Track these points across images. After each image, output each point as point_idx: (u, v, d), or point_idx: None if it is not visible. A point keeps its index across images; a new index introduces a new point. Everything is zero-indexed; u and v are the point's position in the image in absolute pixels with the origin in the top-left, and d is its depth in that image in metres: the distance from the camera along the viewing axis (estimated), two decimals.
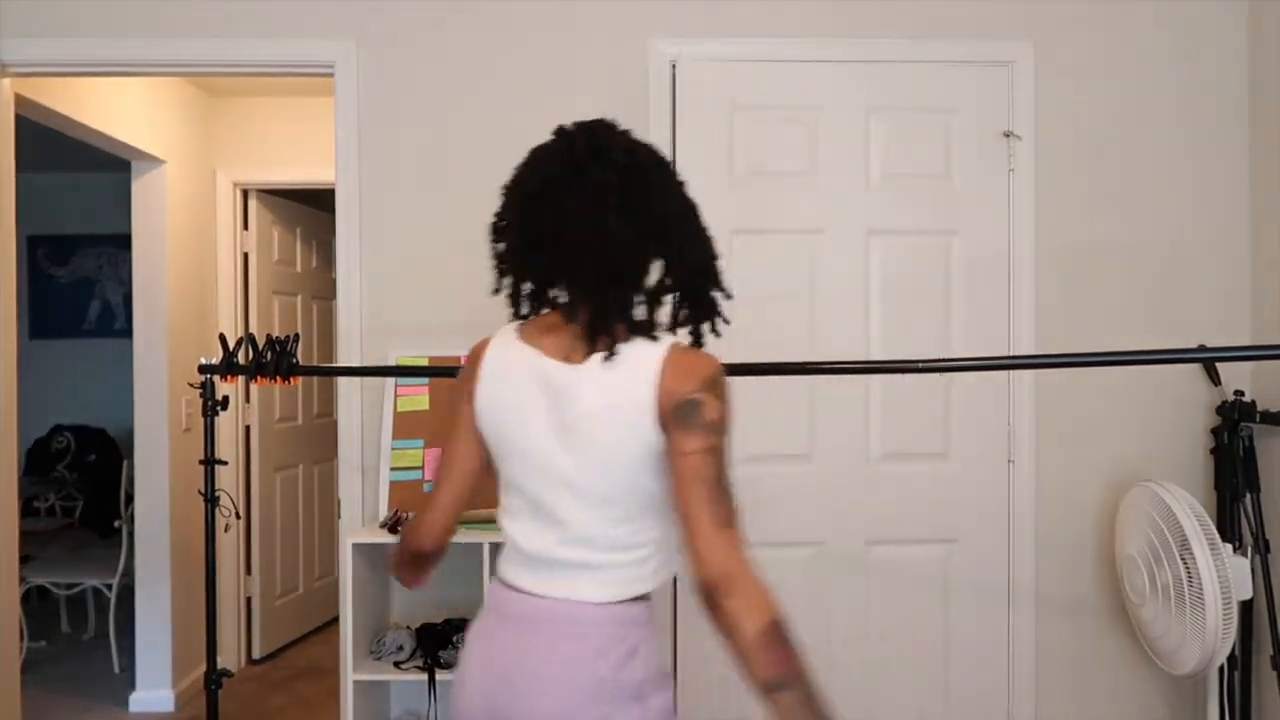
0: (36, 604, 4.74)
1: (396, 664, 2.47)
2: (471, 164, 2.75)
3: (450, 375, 2.65)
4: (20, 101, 3.02)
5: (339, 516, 2.77)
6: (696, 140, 2.66)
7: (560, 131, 1.46)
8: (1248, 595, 2.42)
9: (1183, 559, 2.35)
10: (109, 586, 4.31)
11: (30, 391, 5.35)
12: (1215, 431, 2.74)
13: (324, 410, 4.92)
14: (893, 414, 2.72)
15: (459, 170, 2.75)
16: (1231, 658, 2.63)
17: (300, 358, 2.55)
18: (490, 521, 2.51)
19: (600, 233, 1.32)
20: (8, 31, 2.74)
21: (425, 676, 2.41)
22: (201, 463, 2.54)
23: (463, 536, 2.40)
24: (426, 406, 2.66)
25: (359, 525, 2.71)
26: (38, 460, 5.81)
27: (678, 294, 1.41)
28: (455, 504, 1.52)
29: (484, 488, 2.67)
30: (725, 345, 2.65)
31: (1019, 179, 2.76)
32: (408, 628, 2.59)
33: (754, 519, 2.65)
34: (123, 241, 5.24)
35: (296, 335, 2.62)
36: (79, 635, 4.80)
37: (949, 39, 2.77)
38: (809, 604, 2.69)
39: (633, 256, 1.35)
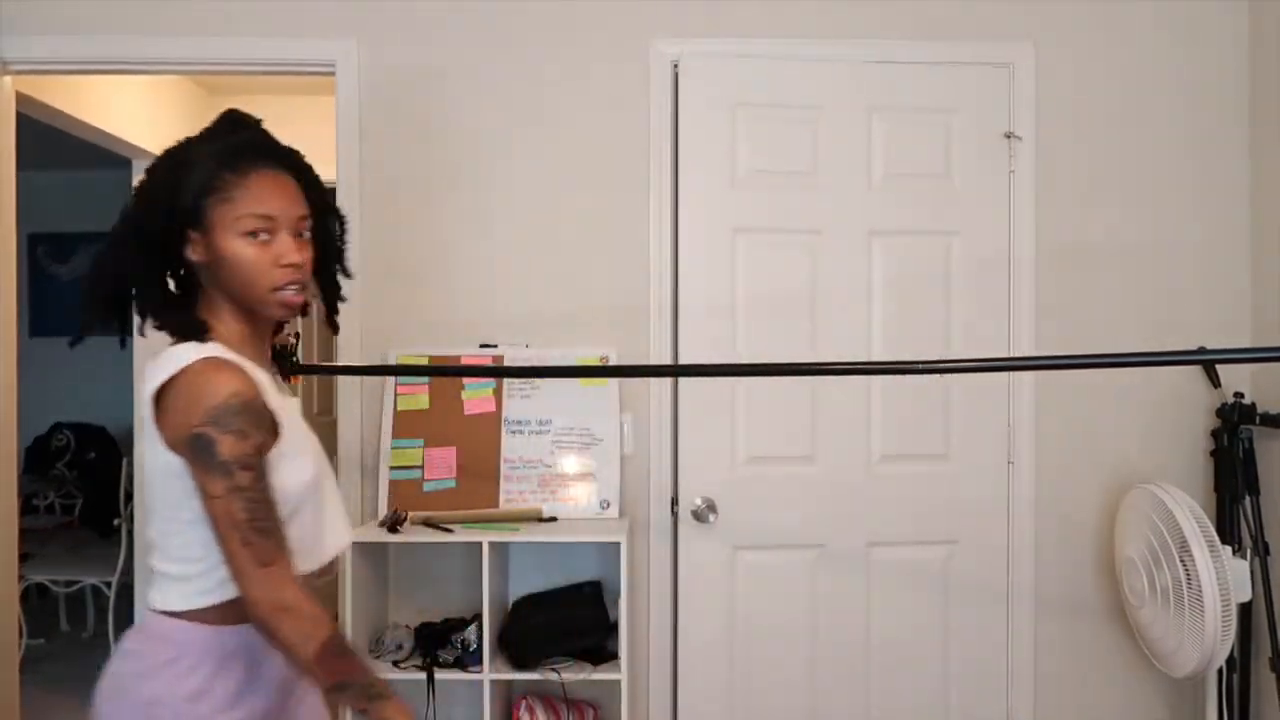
0: (36, 602, 4.74)
1: (395, 663, 2.47)
2: (471, 163, 2.75)
3: (451, 374, 2.65)
4: (21, 99, 3.02)
5: None
6: (698, 140, 2.66)
7: None
8: (1247, 598, 2.41)
9: (1182, 561, 2.35)
10: (108, 584, 4.30)
11: (30, 389, 5.33)
12: (1215, 433, 2.73)
13: (324, 409, 4.92)
14: (893, 415, 2.72)
15: (459, 169, 2.75)
16: (1230, 660, 2.63)
17: (300, 357, 2.55)
18: (490, 521, 2.51)
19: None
20: (9, 29, 2.74)
21: (424, 676, 2.41)
22: None
23: (463, 536, 2.40)
24: (426, 405, 2.66)
25: (359, 524, 2.71)
26: (37, 458, 5.81)
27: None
28: None
29: (480, 488, 2.68)
30: (727, 345, 2.67)
31: (1019, 180, 2.76)
32: (407, 627, 2.59)
33: (756, 520, 2.66)
34: None
35: (297, 334, 2.61)
36: (78, 633, 4.80)
37: (950, 40, 2.77)
38: (810, 605, 2.69)
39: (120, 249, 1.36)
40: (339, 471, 2.76)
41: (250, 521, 1.25)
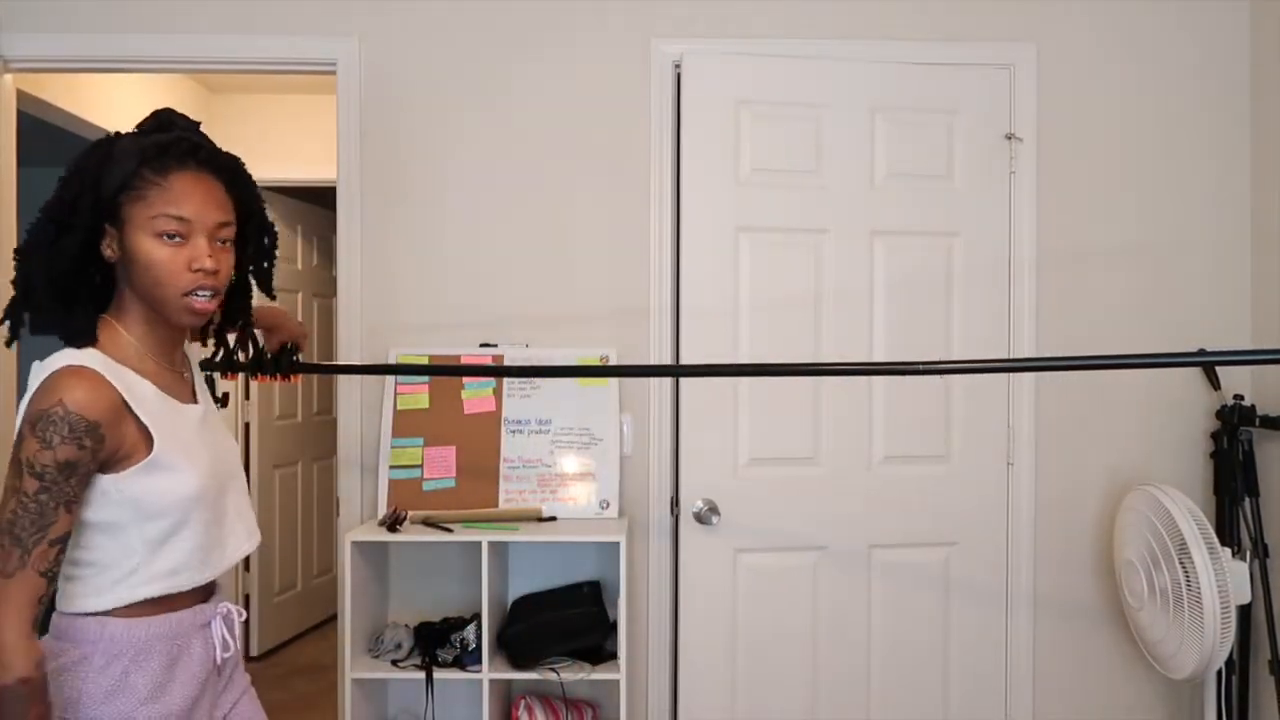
0: None
1: (394, 662, 2.47)
2: (473, 162, 2.75)
3: (451, 374, 2.65)
4: (22, 97, 3.02)
5: (338, 514, 2.77)
6: (699, 139, 2.66)
7: None
8: (1246, 600, 2.41)
9: (1181, 563, 2.35)
10: None
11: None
12: (1215, 435, 2.74)
13: (324, 408, 4.93)
14: (894, 416, 2.72)
15: (460, 168, 2.75)
16: (1229, 662, 2.63)
17: (300, 355, 2.55)
18: (489, 521, 2.51)
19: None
20: (9, 27, 2.74)
21: (423, 675, 2.41)
22: None
23: (462, 535, 2.40)
24: (426, 405, 2.66)
25: (358, 523, 2.71)
26: None
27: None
28: None
29: (479, 488, 2.68)
30: (728, 345, 2.67)
31: (1020, 181, 2.76)
32: (406, 626, 2.59)
33: (758, 522, 2.66)
34: None
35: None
36: None
37: (952, 41, 2.77)
38: (812, 607, 2.69)
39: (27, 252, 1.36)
40: (339, 470, 2.76)
41: (10, 525, 1.23)
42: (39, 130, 3.51)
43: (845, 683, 2.70)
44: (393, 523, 2.44)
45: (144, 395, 1.35)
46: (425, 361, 2.69)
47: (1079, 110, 2.80)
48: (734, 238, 2.66)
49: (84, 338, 1.34)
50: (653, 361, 2.72)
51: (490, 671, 2.39)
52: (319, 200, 4.76)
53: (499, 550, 2.58)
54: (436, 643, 2.50)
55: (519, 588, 2.73)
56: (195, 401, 1.48)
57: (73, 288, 1.35)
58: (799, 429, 2.69)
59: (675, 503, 2.72)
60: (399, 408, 2.65)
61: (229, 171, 1.41)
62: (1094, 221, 2.80)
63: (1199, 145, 2.81)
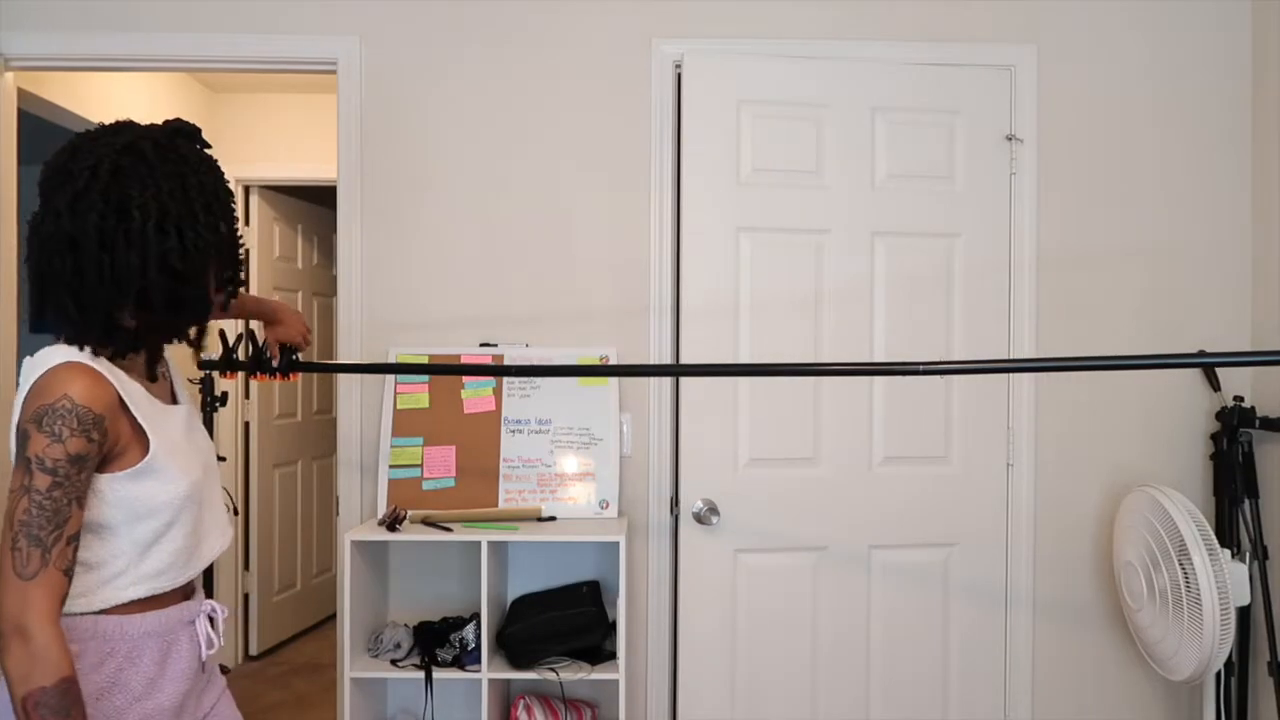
0: None
1: (394, 661, 2.47)
2: (473, 162, 2.75)
3: (451, 373, 2.65)
4: (22, 95, 3.02)
5: (337, 513, 2.77)
6: (700, 140, 2.66)
7: None
8: (1245, 601, 2.42)
9: (1181, 564, 2.35)
10: None
11: None
12: (1214, 437, 2.74)
13: (323, 407, 4.93)
14: (894, 417, 2.72)
15: (461, 168, 2.75)
16: (1229, 664, 2.64)
17: (300, 354, 2.55)
18: (489, 521, 2.51)
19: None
20: (10, 25, 2.74)
21: (422, 675, 2.41)
22: None
23: (461, 535, 2.40)
24: (426, 404, 2.65)
25: (357, 522, 2.71)
26: None
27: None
28: None
29: (479, 487, 2.68)
30: (728, 345, 2.67)
31: (1021, 182, 2.76)
32: (405, 625, 2.59)
33: (758, 523, 2.66)
34: None
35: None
36: None
37: (952, 42, 2.77)
38: (812, 607, 2.69)
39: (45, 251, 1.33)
40: (339, 470, 2.76)
41: (26, 525, 1.20)
42: (39, 129, 3.51)
43: (845, 683, 2.70)
44: (392, 522, 2.44)
45: (135, 395, 1.35)
46: (425, 361, 2.69)
47: (1079, 111, 2.80)
48: (734, 238, 2.66)
49: (92, 339, 1.33)
50: (653, 361, 2.72)
51: (489, 671, 2.39)
52: (319, 199, 4.76)
53: (498, 550, 2.58)
54: (436, 642, 2.50)
55: (518, 587, 2.73)
56: (176, 402, 1.49)
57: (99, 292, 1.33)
58: (799, 429, 2.69)
59: (675, 503, 2.72)
60: (399, 407, 2.65)
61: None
62: (1094, 222, 2.80)
63: (1199, 146, 2.81)
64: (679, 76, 2.72)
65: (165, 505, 1.34)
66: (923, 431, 2.73)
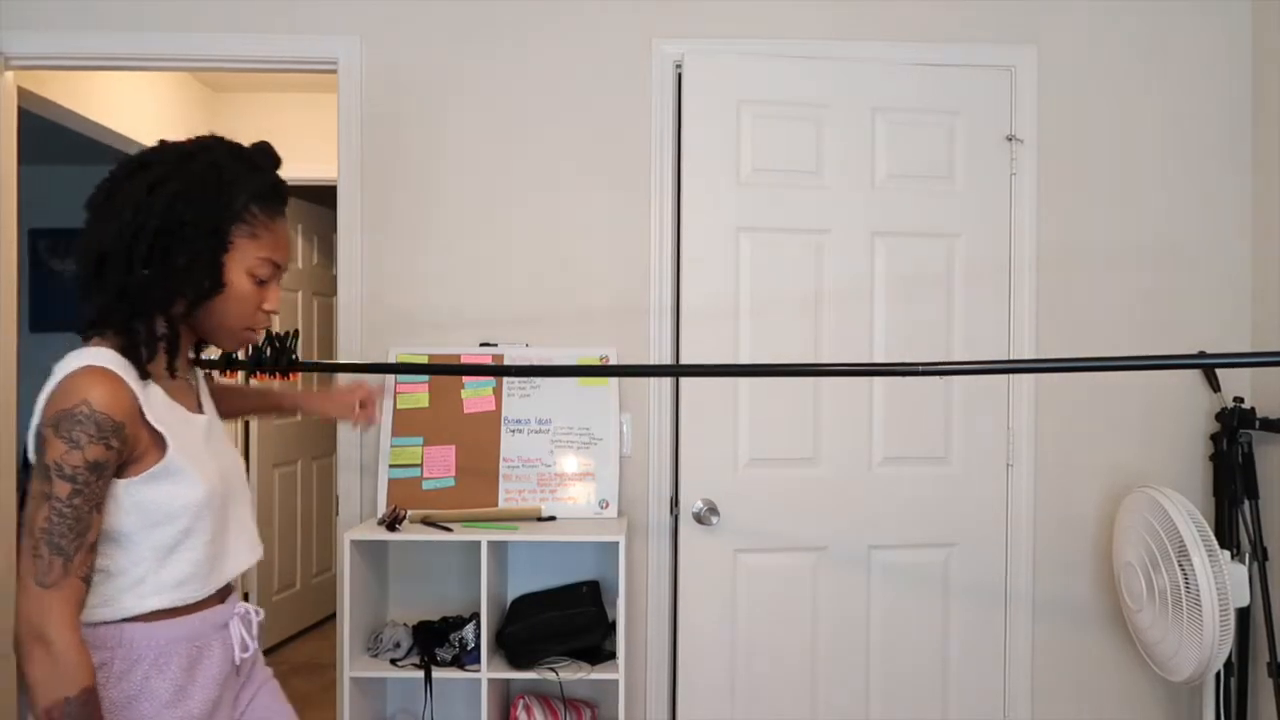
0: None
1: (393, 661, 2.47)
2: (474, 161, 2.75)
3: (450, 373, 2.65)
4: (23, 94, 3.02)
5: (337, 513, 2.77)
6: (701, 139, 2.66)
7: None
8: (1245, 602, 2.41)
9: (1180, 565, 2.35)
10: None
11: (30, 384, 5.34)
12: (1214, 438, 2.74)
13: None
14: (894, 417, 2.72)
15: (461, 168, 2.75)
16: (1228, 665, 2.63)
17: (300, 354, 2.55)
18: (488, 520, 2.51)
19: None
20: (10, 24, 2.74)
21: (422, 674, 2.41)
22: None
23: (461, 535, 2.40)
24: (426, 404, 2.65)
25: (357, 522, 2.71)
26: None
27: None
28: None
29: (479, 487, 2.68)
30: (728, 345, 2.67)
31: (1021, 183, 2.76)
32: (405, 625, 2.59)
33: (758, 523, 2.66)
34: None
35: (296, 331, 2.61)
36: None
37: (953, 42, 2.77)
38: (811, 607, 2.69)
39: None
40: (338, 469, 2.76)
41: (48, 533, 1.19)
42: (40, 128, 3.51)
43: (844, 683, 2.70)
44: (392, 522, 2.44)
45: (155, 400, 1.34)
46: (425, 361, 2.69)
47: (1079, 112, 2.80)
48: (734, 238, 2.66)
49: (125, 334, 1.32)
50: (653, 361, 2.72)
51: (489, 671, 2.39)
52: (319, 199, 4.75)
53: (498, 550, 2.58)
54: (435, 642, 2.50)
55: (518, 587, 2.73)
56: (201, 412, 1.47)
57: (141, 292, 1.32)
58: (799, 430, 2.69)
59: (675, 503, 2.72)
60: (399, 407, 2.65)
61: None
62: (1094, 223, 2.80)
63: (1199, 146, 2.81)
64: (679, 76, 2.72)
65: (182, 510, 1.33)
66: (922, 432, 2.73)
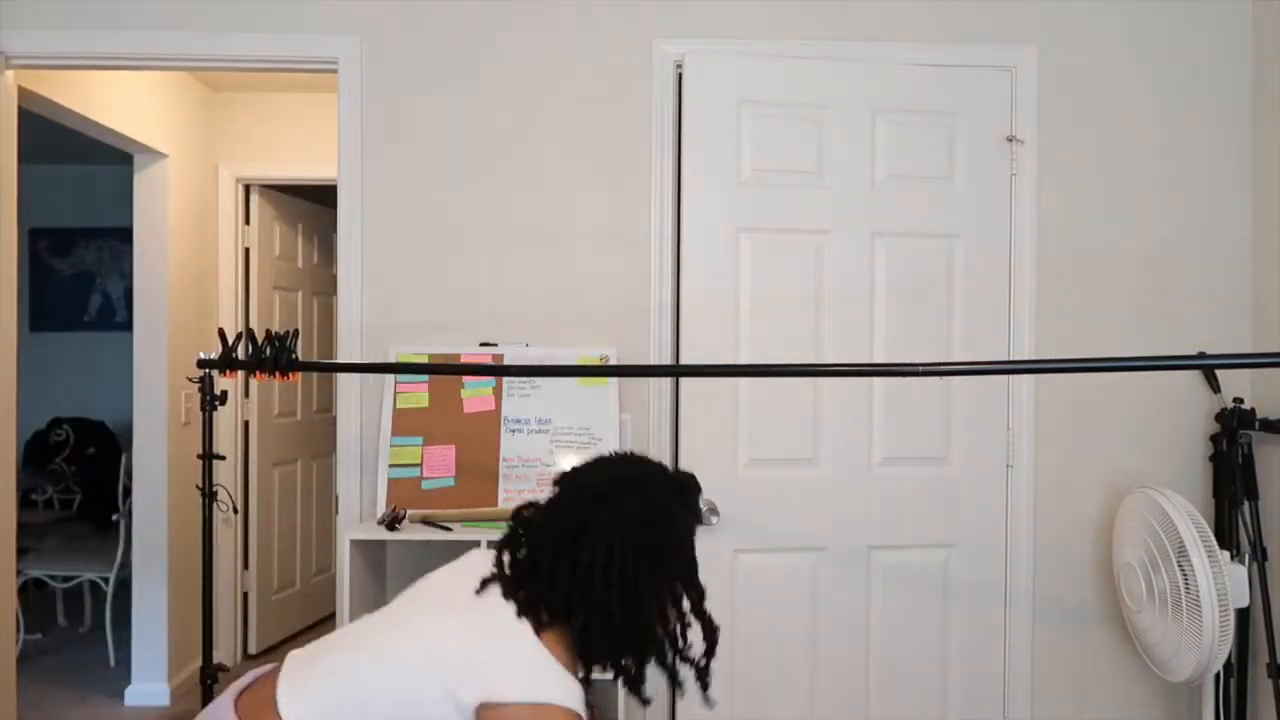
0: (33, 596, 4.73)
1: None
2: (474, 161, 2.75)
3: (450, 373, 2.65)
4: (23, 94, 3.02)
5: (337, 512, 2.77)
6: (701, 140, 2.66)
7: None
8: (1245, 603, 2.41)
9: (1180, 566, 2.35)
10: (106, 580, 4.31)
11: (30, 384, 5.34)
12: (1214, 439, 2.73)
13: (323, 406, 4.92)
14: (894, 418, 2.72)
15: (461, 167, 2.75)
16: (1228, 665, 2.63)
17: (300, 353, 2.55)
18: (488, 520, 2.51)
19: None
20: (10, 23, 2.74)
21: None
22: (200, 457, 2.54)
23: (461, 534, 2.40)
24: (426, 404, 2.65)
25: (357, 521, 2.71)
26: (36, 453, 5.81)
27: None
28: None
29: (479, 487, 2.67)
30: (728, 345, 2.66)
31: (1021, 183, 2.76)
32: None
33: (758, 523, 2.66)
34: (124, 235, 5.23)
35: (296, 331, 2.61)
36: (75, 628, 4.80)
37: (953, 43, 2.77)
38: (811, 608, 2.69)
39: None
40: (338, 469, 2.76)
41: None
42: (40, 127, 3.51)
43: (844, 683, 2.70)
44: (392, 521, 2.43)
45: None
46: (425, 360, 2.69)
47: (1080, 113, 2.80)
48: (735, 238, 2.66)
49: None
50: (653, 361, 2.72)
51: None
52: (319, 198, 4.75)
53: None
54: None
55: None
56: None
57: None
58: (799, 430, 2.69)
59: None
60: (398, 406, 2.65)
61: None
62: (1094, 224, 2.80)
63: (1199, 147, 2.81)
64: (679, 76, 2.72)
65: None
66: (922, 432, 2.73)
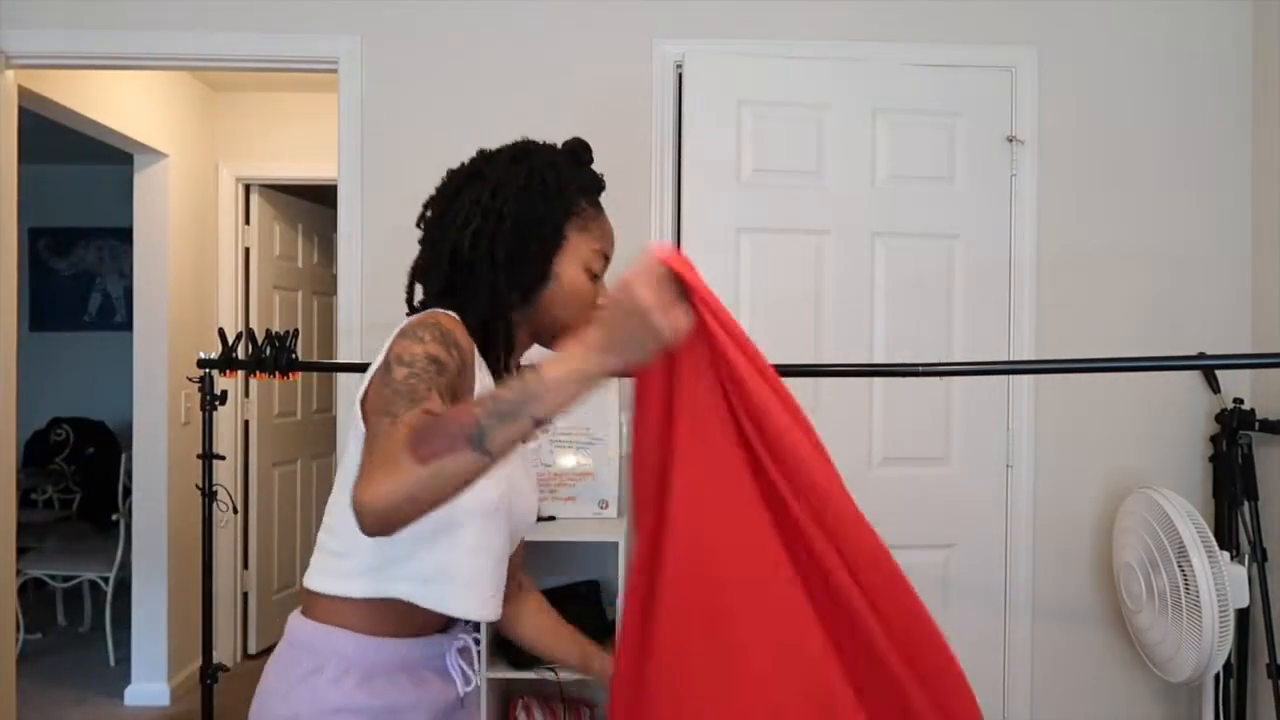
0: (33, 596, 4.73)
1: None
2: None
3: None
4: (23, 93, 3.02)
5: None
6: (701, 140, 2.66)
7: None
8: (1244, 603, 2.41)
9: (1180, 566, 2.35)
10: (106, 579, 4.31)
11: (29, 384, 5.34)
12: (1214, 439, 2.73)
13: (323, 405, 4.92)
14: (894, 418, 2.72)
15: None
16: (1227, 666, 2.63)
17: (300, 353, 2.55)
18: None
19: None
20: (11, 23, 2.74)
21: None
22: (200, 457, 2.54)
23: None
24: None
25: None
26: (36, 452, 5.81)
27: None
28: None
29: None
30: None
31: (1021, 184, 2.76)
32: None
33: None
34: (124, 234, 5.23)
35: (296, 330, 2.62)
36: (75, 628, 4.80)
37: (953, 43, 2.77)
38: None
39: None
40: (337, 469, 2.76)
41: (387, 401, 1.09)
42: (41, 127, 3.50)
43: None
44: None
45: (485, 381, 1.30)
46: None
47: (1080, 113, 2.80)
48: (735, 238, 2.66)
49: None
50: None
51: (489, 671, 2.39)
52: (319, 198, 4.75)
53: None
54: None
55: None
56: None
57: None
58: None
59: None
60: None
61: None
62: (1094, 224, 2.80)
63: (1199, 147, 2.81)
64: (680, 76, 2.72)
65: (463, 503, 1.15)
66: (922, 432, 2.73)
